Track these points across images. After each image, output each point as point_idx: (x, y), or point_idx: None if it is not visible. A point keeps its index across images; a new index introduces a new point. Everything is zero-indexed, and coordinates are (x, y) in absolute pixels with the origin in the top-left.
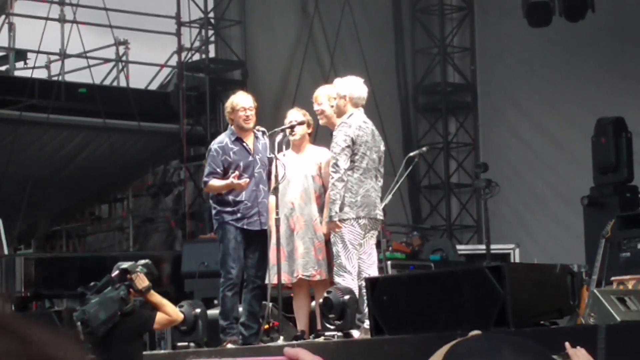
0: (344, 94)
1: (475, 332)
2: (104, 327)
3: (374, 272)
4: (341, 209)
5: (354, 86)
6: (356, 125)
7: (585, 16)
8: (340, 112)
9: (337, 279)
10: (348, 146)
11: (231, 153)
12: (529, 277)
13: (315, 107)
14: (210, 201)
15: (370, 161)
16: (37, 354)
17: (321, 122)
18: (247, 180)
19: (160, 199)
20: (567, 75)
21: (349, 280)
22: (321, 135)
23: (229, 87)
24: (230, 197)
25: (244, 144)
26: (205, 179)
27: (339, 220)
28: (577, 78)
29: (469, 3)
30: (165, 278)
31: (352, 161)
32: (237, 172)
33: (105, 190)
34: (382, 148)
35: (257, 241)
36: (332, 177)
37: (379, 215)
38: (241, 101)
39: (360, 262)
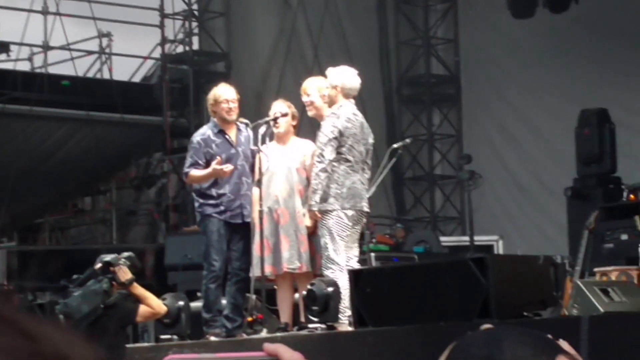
0: (335, 84)
1: (487, 325)
2: (87, 320)
3: (354, 265)
4: (326, 200)
5: (346, 77)
6: (345, 117)
7: (569, 7)
8: (331, 102)
9: (325, 272)
10: (335, 137)
11: (213, 145)
12: (512, 268)
13: (304, 99)
14: (193, 194)
15: (358, 153)
16: (46, 351)
17: (309, 113)
18: (231, 167)
19: (143, 192)
20: (551, 66)
21: (337, 273)
22: (305, 127)
23: (212, 80)
24: (213, 190)
25: (227, 137)
26: (186, 169)
27: (324, 211)
28: (561, 69)
29: None
30: (148, 271)
31: (339, 153)
32: (219, 158)
33: (88, 183)
34: (371, 141)
35: (240, 234)
36: (316, 167)
37: (365, 207)
38: (224, 93)
39: None
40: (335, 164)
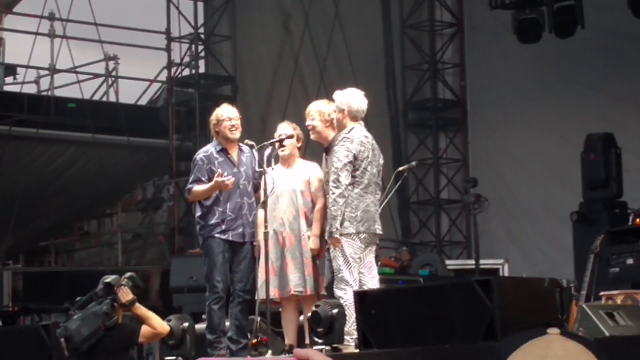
0: (342, 108)
1: (554, 329)
2: (87, 343)
3: (374, 285)
4: (341, 224)
5: (352, 99)
6: (358, 140)
7: (575, 33)
8: (340, 126)
9: (338, 293)
10: (350, 162)
11: (216, 162)
12: (518, 291)
13: (307, 122)
14: (195, 214)
15: (371, 176)
16: None
17: (312, 137)
18: (232, 179)
19: (149, 214)
20: (557, 91)
21: (350, 294)
22: (311, 150)
23: (218, 103)
24: (215, 208)
25: (229, 156)
26: (189, 185)
27: (340, 235)
28: (567, 94)
29: (459, 19)
30: (153, 293)
31: (353, 176)
32: (220, 171)
33: (94, 205)
34: (381, 162)
35: (242, 254)
36: (334, 193)
37: (379, 230)
38: (226, 112)
39: (361, 276)
40: (349, 187)
